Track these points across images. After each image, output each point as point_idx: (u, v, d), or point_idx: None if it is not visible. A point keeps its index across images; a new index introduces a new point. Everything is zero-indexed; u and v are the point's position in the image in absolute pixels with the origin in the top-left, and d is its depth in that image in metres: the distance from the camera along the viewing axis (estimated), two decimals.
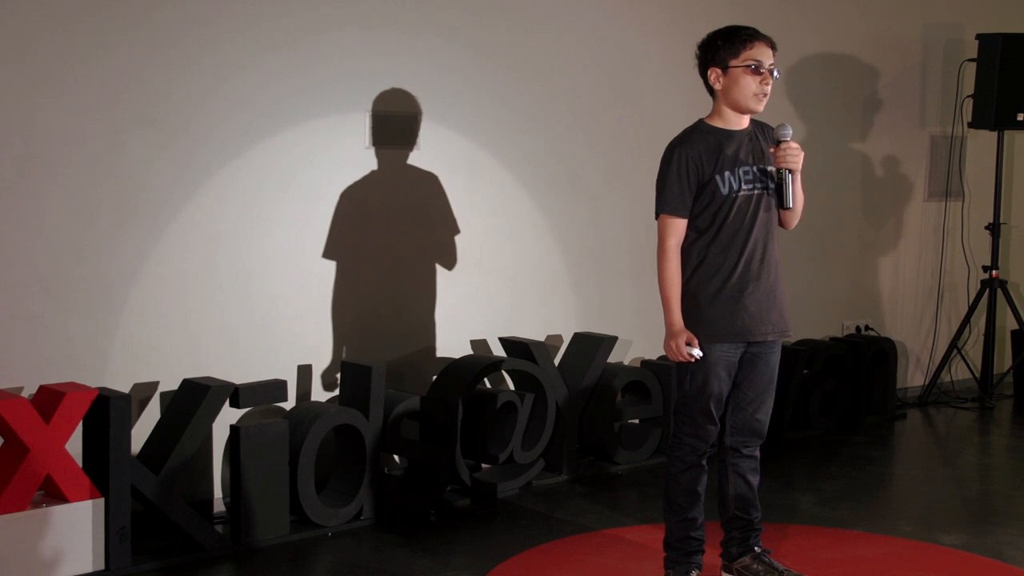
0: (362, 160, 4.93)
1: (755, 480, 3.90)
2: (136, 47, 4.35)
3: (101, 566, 3.97)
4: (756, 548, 3.91)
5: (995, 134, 6.79)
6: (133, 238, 4.40)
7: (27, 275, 4.18)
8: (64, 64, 4.20)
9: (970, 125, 6.79)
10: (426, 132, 5.08)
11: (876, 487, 5.26)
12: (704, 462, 3.82)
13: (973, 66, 6.69)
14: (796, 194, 3.75)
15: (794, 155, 3.69)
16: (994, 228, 6.83)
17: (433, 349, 5.17)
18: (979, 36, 6.65)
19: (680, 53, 5.83)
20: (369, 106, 4.91)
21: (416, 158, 5.07)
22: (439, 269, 5.17)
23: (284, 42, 4.69)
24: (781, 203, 3.73)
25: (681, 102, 5.84)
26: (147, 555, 4.14)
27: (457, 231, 5.19)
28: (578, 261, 5.65)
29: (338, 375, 4.84)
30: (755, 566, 3.88)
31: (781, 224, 3.84)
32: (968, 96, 6.79)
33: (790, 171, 3.71)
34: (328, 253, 4.87)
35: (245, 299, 4.67)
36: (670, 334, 3.70)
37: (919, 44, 6.90)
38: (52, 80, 4.18)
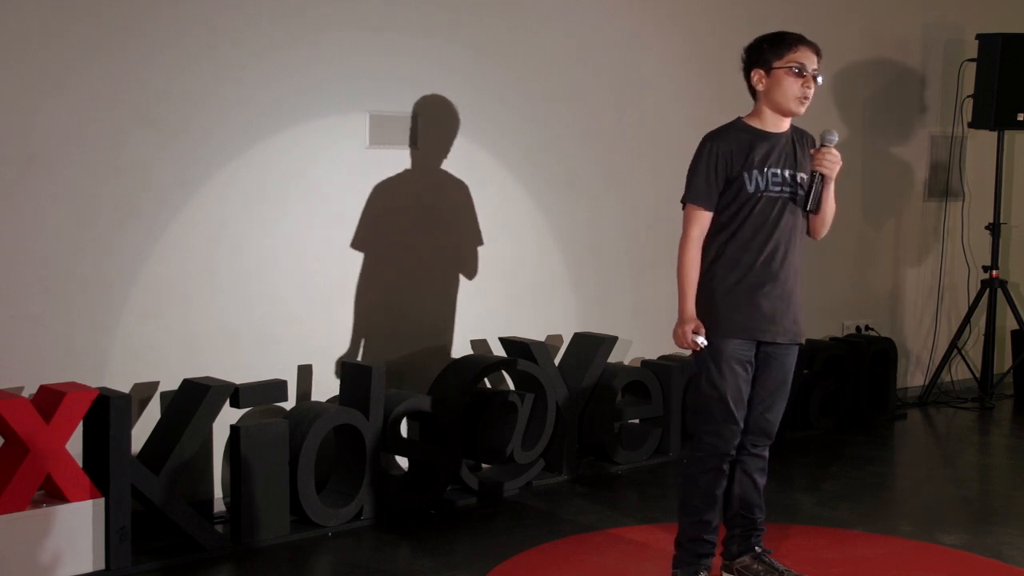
0: (362, 160, 4.93)
1: (761, 480, 3.90)
2: (136, 47, 4.35)
3: (101, 566, 3.97)
4: (757, 548, 3.91)
5: (995, 134, 6.79)
6: (133, 238, 4.40)
7: (27, 275, 4.18)
8: (64, 64, 4.20)
9: (970, 125, 6.79)
10: (426, 132, 5.08)
11: (876, 487, 5.26)
12: (725, 466, 3.79)
13: (973, 66, 6.69)
14: (826, 201, 3.78)
15: (832, 161, 3.74)
16: (994, 228, 6.83)
17: (433, 349, 5.17)
18: (979, 36, 6.65)
19: (680, 53, 5.86)
20: (369, 106, 4.91)
21: (416, 158, 5.07)
22: (439, 269, 5.17)
23: (284, 42, 4.69)
24: (804, 205, 3.74)
25: (681, 102, 5.86)
26: (147, 555, 4.14)
27: (456, 230, 5.19)
28: (578, 261, 5.65)
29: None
30: (755, 566, 3.88)
31: (809, 233, 3.86)
32: (968, 96, 6.79)
33: (823, 176, 3.73)
34: (328, 253, 4.86)
35: (245, 299, 4.67)
36: (680, 321, 3.74)
37: (919, 44, 6.90)
38: (52, 80, 4.18)
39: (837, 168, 3.76)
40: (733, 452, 3.80)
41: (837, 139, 3.78)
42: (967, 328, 6.93)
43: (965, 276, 7.03)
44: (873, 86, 6.73)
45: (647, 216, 5.64)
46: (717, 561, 3.92)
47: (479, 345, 5.30)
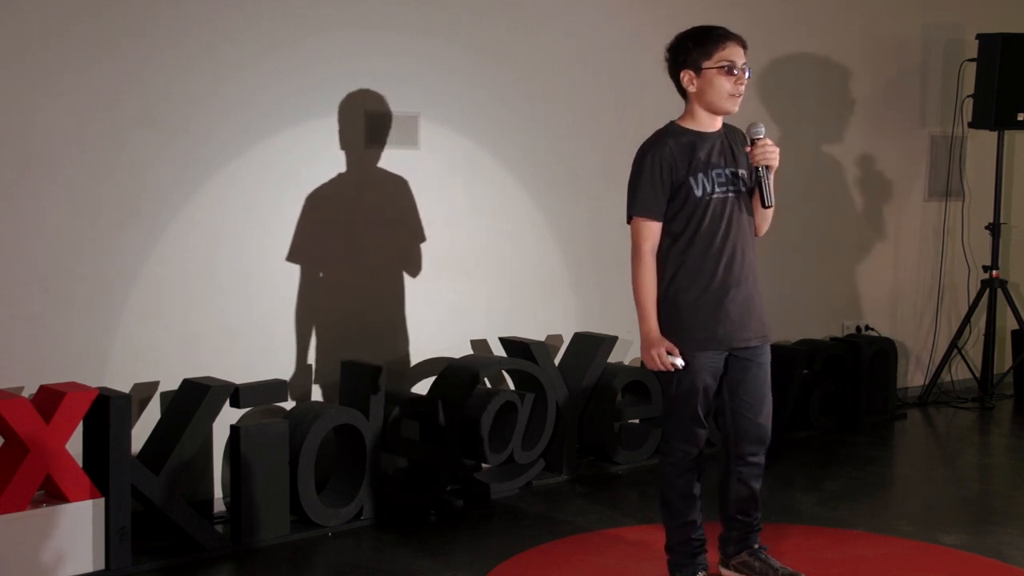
0: (362, 160, 4.93)
1: (757, 486, 3.89)
2: (136, 47, 4.35)
3: (101, 566, 3.97)
4: (754, 545, 3.91)
5: (995, 134, 6.79)
6: (133, 238, 4.40)
7: (27, 275, 4.18)
8: (64, 64, 4.20)
9: (970, 125, 6.79)
10: (426, 132, 5.08)
11: (876, 487, 5.26)
12: (696, 464, 3.81)
13: (973, 66, 6.69)
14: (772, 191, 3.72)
15: (772, 152, 3.66)
16: (994, 228, 6.83)
17: (433, 349, 5.17)
18: (979, 36, 6.65)
19: None
20: (369, 106, 4.91)
21: (416, 158, 5.07)
22: (440, 269, 5.17)
23: (284, 42, 4.69)
24: (762, 202, 3.70)
25: (681, 102, 5.84)
26: (147, 555, 4.14)
27: (457, 230, 5.19)
28: (578, 261, 5.65)
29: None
30: (752, 562, 3.88)
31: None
32: (968, 96, 6.79)
33: (768, 168, 3.67)
34: (329, 253, 4.87)
35: (245, 299, 4.67)
36: (649, 343, 3.67)
37: (919, 44, 6.90)
38: (52, 80, 4.18)
39: (777, 156, 3.66)
40: (702, 451, 3.79)
41: (764, 129, 3.69)
42: (967, 328, 6.92)
43: (965, 276, 7.03)
44: (873, 86, 6.73)
45: None
46: (713, 559, 3.93)
47: (479, 345, 5.30)
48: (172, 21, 4.42)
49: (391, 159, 5.00)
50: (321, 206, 4.83)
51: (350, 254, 4.94)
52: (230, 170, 4.60)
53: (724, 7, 5.62)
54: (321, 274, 4.87)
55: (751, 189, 3.74)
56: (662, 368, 3.66)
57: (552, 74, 5.48)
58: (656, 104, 5.74)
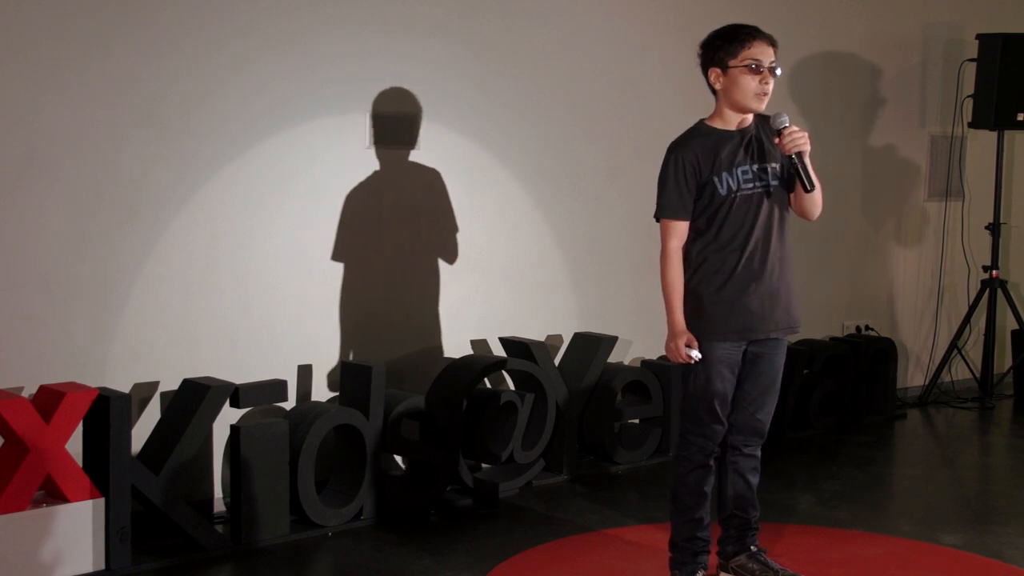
0: (362, 160, 4.93)
1: (754, 480, 3.90)
2: (137, 47, 4.35)
3: (101, 566, 3.97)
4: (752, 547, 3.92)
5: (995, 134, 6.79)
6: (133, 238, 4.40)
7: (27, 275, 4.18)
8: (64, 64, 4.20)
9: (970, 125, 6.79)
10: (426, 132, 5.08)
11: (876, 487, 5.26)
12: (711, 462, 3.82)
13: (973, 66, 6.69)
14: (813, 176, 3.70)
15: (800, 137, 3.65)
16: (994, 228, 6.83)
17: (433, 349, 5.17)
18: (979, 36, 6.65)
19: (680, 53, 5.83)
20: (369, 106, 4.91)
21: (416, 158, 5.07)
22: (439, 269, 5.17)
23: (284, 43, 4.69)
24: (804, 188, 3.69)
25: (681, 102, 5.84)
26: (147, 555, 4.14)
27: (457, 229, 5.19)
28: (578, 261, 5.65)
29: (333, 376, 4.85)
30: (751, 565, 3.88)
31: (802, 215, 3.81)
32: (968, 96, 6.79)
33: (801, 154, 3.66)
34: (327, 253, 4.86)
35: (245, 299, 4.67)
36: (671, 335, 3.72)
37: (919, 44, 6.91)
38: (53, 80, 4.18)
39: (807, 140, 3.66)
40: (718, 449, 3.82)
41: (788, 118, 3.69)
42: (967, 328, 6.93)
43: (965, 276, 7.03)
44: (873, 86, 6.73)
45: (647, 216, 5.59)
46: (713, 560, 3.93)
47: (479, 345, 5.30)
48: (172, 21, 4.42)
49: (391, 159, 5.00)
50: (321, 206, 4.83)
51: (349, 254, 4.94)
52: (230, 170, 4.60)
53: (724, 7, 5.61)
54: (321, 274, 4.86)
55: (787, 179, 3.74)
56: (681, 360, 3.70)
57: (552, 74, 5.48)
58: (657, 103, 5.79)
